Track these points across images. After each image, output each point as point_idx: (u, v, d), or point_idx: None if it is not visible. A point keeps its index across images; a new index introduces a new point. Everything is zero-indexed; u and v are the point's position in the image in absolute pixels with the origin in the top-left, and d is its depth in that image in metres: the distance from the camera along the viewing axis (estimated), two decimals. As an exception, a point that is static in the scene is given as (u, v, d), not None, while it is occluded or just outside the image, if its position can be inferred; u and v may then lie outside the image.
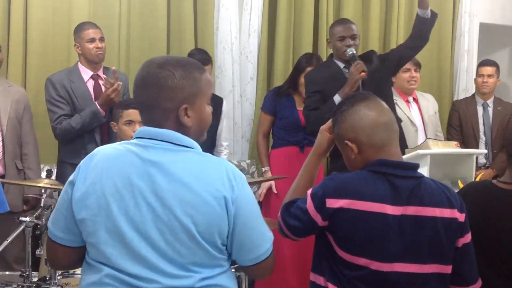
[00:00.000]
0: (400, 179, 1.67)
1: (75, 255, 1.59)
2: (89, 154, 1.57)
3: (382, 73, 3.36)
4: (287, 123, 3.82)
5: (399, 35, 4.68)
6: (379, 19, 4.66)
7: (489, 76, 4.47)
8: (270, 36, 4.36)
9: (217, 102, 3.82)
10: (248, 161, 4.29)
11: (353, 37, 3.32)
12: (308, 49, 4.35)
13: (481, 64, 4.57)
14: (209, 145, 3.79)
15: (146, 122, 1.56)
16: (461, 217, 1.71)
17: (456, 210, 1.70)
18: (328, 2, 4.42)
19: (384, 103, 1.79)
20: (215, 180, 1.49)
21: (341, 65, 3.37)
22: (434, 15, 3.29)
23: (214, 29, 4.18)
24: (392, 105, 3.48)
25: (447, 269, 1.69)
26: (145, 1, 3.99)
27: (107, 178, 1.48)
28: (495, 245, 1.88)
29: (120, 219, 1.46)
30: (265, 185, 3.82)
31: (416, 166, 1.74)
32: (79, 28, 3.39)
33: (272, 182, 3.78)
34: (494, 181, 1.99)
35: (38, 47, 3.71)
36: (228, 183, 1.49)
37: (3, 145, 3.31)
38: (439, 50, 4.89)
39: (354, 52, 3.23)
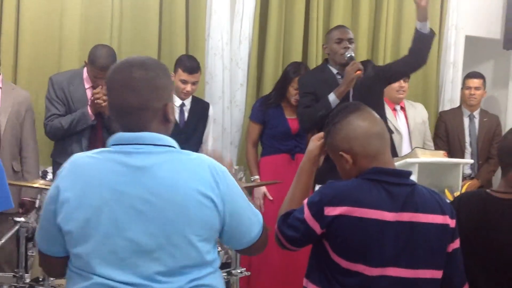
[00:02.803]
0: (394, 186, 1.70)
1: (67, 262, 1.58)
2: (64, 166, 1.55)
3: (375, 84, 3.40)
4: (277, 132, 3.84)
5: (387, 44, 4.74)
6: (368, 27, 4.71)
7: (476, 88, 4.55)
8: (260, 44, 4.39)
9: (204, 107, 3.83)
10: (236, 167, 4.30)
11: (350, 40, 3.40)
12: (298, 57, 4.39)
13: (468, 76, 4.64)
14: (196, 150, 3.75)
15: (127, 126, 1.53)
16: (452, 223, 1.75)
17: (448, 217, 1.74)
18: (318, 11, 4.47)
19: (375, 114, 1.82)
20: (202, 178, 1.50)
21: (335, 71, 3.42)
22: (431, 32, 3.29)
23: (206, 36, 4.19)
24: (383, 116, 3.54)
25: (439, 274, 1.73)
26: (137, 5, 3.99)
27: (92, 190, 1.47)
28: (491, 253, 1.91)
29: (109, 230, 1.45)
30: (259, 194, 3.82)
31: (409, 173, 1.78)
32: (93, 55, 3.30)
33: (265, 189, 3.80)
34: (488, 191, 2.03)
35: (30, 49, 3.70)
36: (213, 180, 1.51)
37: (0, 146, 3.27)
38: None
39: (353, 55, 3.29)
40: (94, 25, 3.84)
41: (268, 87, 4.29)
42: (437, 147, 4.57)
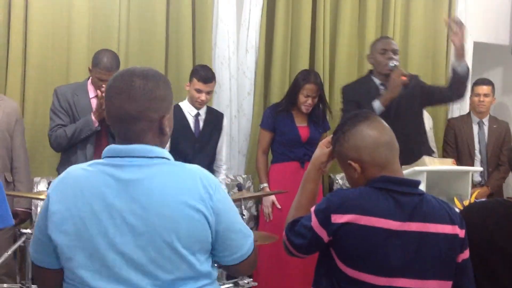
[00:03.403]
0: (403, 195, 1.69)
1: (62, 276, 1.57)
2: (58, 177, 1.55)
3: (416, 101, 3.47)
4: (286, 139, 3.85)
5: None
6: (375, 38, 4.68)
7: (485, 95, 4.51)
8: (267, 52, 4.39)
9: (218, 117, 3.85)
10: (244, 176, 4.29)
11: (395, 51, 3.46)
12: (305, 65, 4.39)
13: (477, 83, 4.61)
14: (210, 160, 3.79)
15: (123, 134, 1.53)
16: (461, 233, 1.73)
17: (457, 226, 1.72)
18: (324, 19, 4.47)
19: (385, 123, 1.81)
20: (193, 191, 1.49)
21: (378, 81, 3.45)
22: (467, 70, 3.38)
23: (212, 45, 4.20)
24: (424, 133, 3.57)
25: (448, 284, 1.71)
26: (143, 16, 4.01)
27: (82, 202, 1.47)
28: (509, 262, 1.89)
29: (100, 243, 1.45)
30: (268, 203, 3.84)
31: (418, 183, 1.76)
32: (97, 58, 3.31)
33: (274, 198, 3.80)
34: (506, 198, 2.02)
35: (38, 60, 3.70)
36: (205, 192, 1.50)
37: None
38: (434, 68, 4.95)
39: (397, 63, 3.34)
40: (101, 36, 3.85)
41: (275, 96, 4.30)
42: (446, 154, 4.55)
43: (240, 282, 2.72)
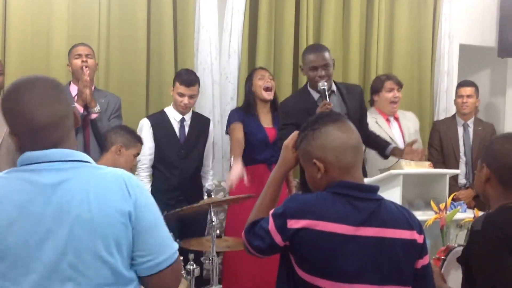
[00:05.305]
0: (360, 200, 1.68)
1: None
2: None
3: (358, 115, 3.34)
4: (255, 140, 3.78)
5: (379, 59, 4.76)
6: (359, 42, 4.71)
7: (468, 96, 4.51)
8: (250, 57, 4.39)
9: (204, 123, 3.84)
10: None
11: (326, 66, 3.19)
12: (288, 69, 4.41)
13: (460, 85, 4.61)
14: (197, 166, 3.78)
15: (37, 145, 1.49)
16: (419, 238, 1.72)
17: (415, 232, 1.71)
18: (308, 24, 4.48)
19: (353, 126, 1.79)
20: (116, 194, 1.48)
21: (316, 95, 3.28)
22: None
23: (194, 50, 4.21)
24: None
25: (406, 290, 1.70)
26: (124, 23, 4.01)
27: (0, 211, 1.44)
28: None
29: (20, 250, 1.43)
30: (234, 176, 3.45)
31: (376, 188, 1.75)
32: (72, 48, 3.52)
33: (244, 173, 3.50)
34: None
35: (16, 70, 3.69)
36: (127, 193, 1.49)
37: None
38: (419, 71, 4.95)
39: (325, 87, 3.13)
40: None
41: (258, 101, 4.29)
42: (431, 156, 4.53)
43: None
